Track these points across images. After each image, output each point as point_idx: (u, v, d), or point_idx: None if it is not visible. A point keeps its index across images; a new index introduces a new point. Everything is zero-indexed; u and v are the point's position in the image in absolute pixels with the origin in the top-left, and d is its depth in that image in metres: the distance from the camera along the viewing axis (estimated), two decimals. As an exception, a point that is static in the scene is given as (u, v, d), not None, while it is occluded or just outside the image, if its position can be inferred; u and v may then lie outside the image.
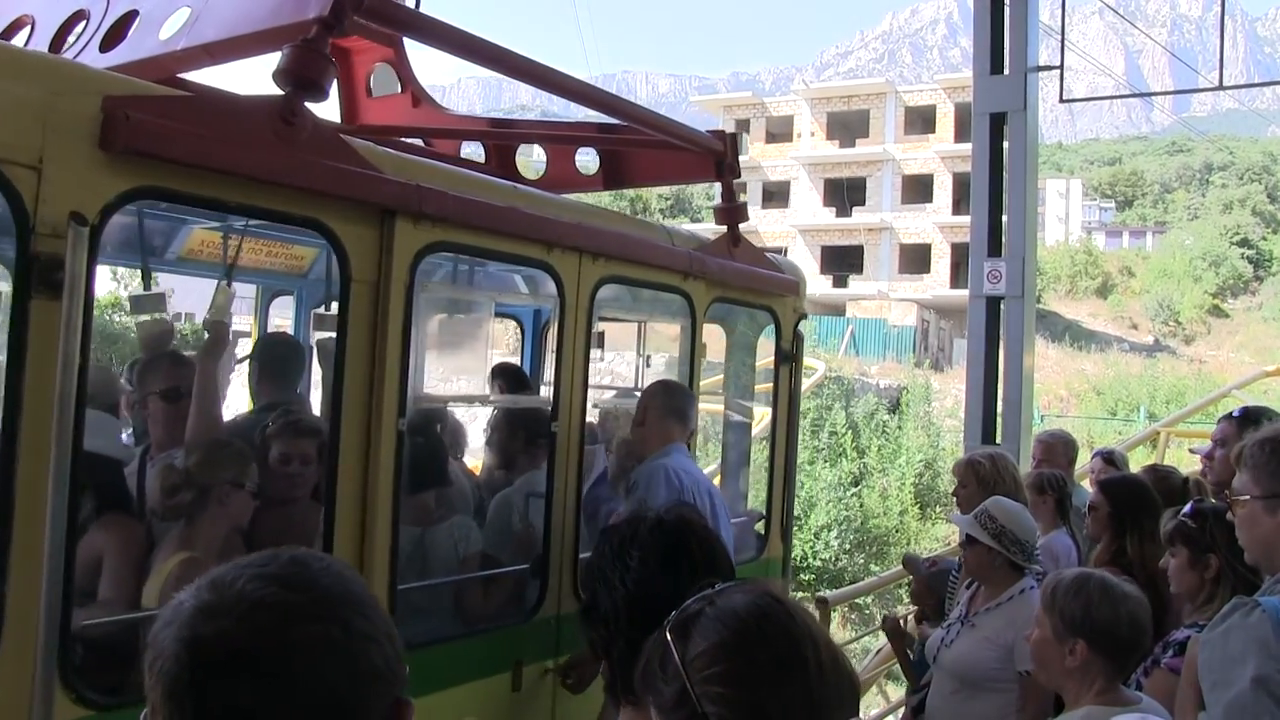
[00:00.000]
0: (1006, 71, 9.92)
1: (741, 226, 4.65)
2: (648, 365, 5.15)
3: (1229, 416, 4.07)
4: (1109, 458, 5.87)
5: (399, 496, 3.04)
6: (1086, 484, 6.33)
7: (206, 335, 3.47)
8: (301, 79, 2.72)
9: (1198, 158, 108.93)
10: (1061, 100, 11.47)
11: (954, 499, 4.82)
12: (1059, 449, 5.76)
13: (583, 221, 3.77)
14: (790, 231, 48.75)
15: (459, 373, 4.40)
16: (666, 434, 3.77)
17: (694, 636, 1.32)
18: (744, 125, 51.32)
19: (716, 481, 6.05)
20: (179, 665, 0.98)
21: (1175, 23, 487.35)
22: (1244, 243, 64.12)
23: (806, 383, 20.08)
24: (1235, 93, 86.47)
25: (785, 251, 48.20)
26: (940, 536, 22.77)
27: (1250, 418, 3.94)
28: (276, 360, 4.12)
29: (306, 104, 2.74)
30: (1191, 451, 5.48)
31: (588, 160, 4.99)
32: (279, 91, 2.74)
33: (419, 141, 4.89)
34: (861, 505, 23.80)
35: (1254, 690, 2.13)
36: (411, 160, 3.33)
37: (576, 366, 3.80)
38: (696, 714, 1.27)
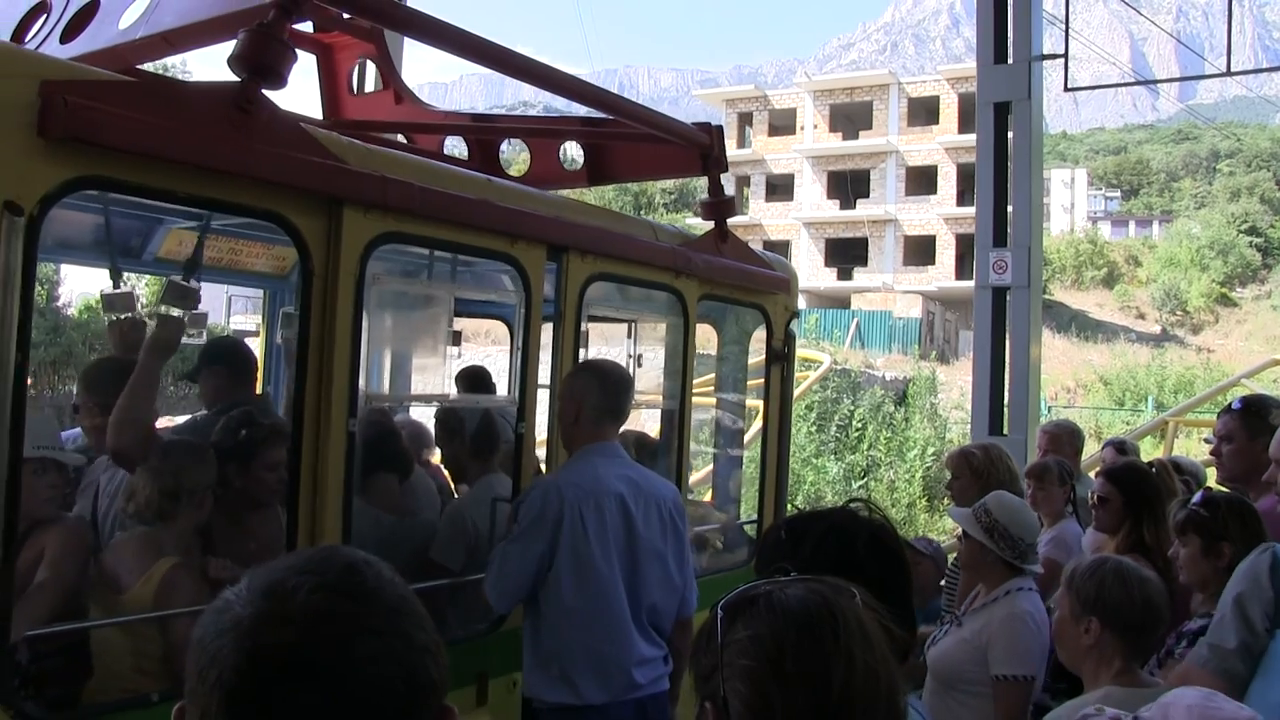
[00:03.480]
0: (1010, 60, 9.87)
1: (746, 221, 4.57)
2: (639, 365, 4.95)
3: (1229, 410, 3.95)
4: (1121, 447, 5.80)
5: (350, 501, 2.95)
6: (1094, 474, 6.26)
7: (155, 328, 3.35)
8: (258, 65, 2.66)
9: (1204, 145, 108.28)
10: (1066, 89, 11.35)
11: (948, 490, 4.78)
12: (1064, 439, 5.75)
13: (560, 215, 3.67)
14: (794, 225, 48.54)
15: (418, 371, 4.29)
16: (599, 433, 3.48)
17: (740, 621, 1.34)
18: (747, 118, 51.20)
19: (708, 490, 5.85)
20: (240, 676, 0.96)
21: (1181, 9, 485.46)
22: (1252, 230, 63.48)
23: (812, 375, 20.01)
24: (1243, 79, 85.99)
25: (790, 245, 48.11)
26: (948, 529, 22.64)
27: (1251, 408, 3.86)
28: (226, 362, 4.02)
29: (264, 92, 2.68)
30: (1205, 441, 5.39)
31: (575, 156, 4.90)
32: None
33: (403, 140, 4.82)
34: (869, 498, 23.71)
35: (1233, 607, 2.54)
36: (376, 151, 3.25)
37: (566, 363, 3.69)
38: (718, 696, 1.31)
